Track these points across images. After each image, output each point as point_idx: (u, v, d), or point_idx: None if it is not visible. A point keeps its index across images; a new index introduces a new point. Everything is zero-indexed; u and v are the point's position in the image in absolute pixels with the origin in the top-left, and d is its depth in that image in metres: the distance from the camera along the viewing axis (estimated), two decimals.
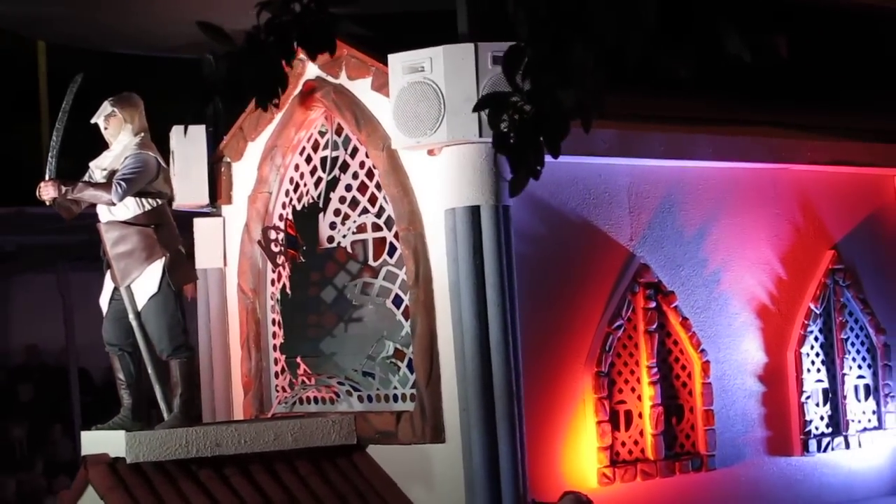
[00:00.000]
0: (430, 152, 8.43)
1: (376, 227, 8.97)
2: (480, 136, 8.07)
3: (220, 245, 9.99)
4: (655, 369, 9.11)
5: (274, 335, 9.63)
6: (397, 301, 8.83)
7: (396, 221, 8.71)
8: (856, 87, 10.74)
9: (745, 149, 9.67)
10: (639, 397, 9.09)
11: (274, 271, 9.59)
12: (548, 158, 4.30)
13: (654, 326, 9.15)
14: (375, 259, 8.98)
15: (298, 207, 9.42)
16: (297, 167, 9.51)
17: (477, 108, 4.63)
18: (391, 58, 8.39)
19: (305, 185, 9.40)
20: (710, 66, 4.47)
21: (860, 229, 10.53)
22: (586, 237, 9.01)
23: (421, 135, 8.22)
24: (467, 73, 8.12)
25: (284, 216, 9.52)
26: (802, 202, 10.19)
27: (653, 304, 9.14)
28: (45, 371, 18.01)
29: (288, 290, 9.42)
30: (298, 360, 9.32)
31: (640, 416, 9.09)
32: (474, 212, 8.17)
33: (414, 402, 8.62)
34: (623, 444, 9.00)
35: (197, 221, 10.08)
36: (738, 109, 9.67)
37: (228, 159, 9.93)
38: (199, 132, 9.91)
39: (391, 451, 8.73)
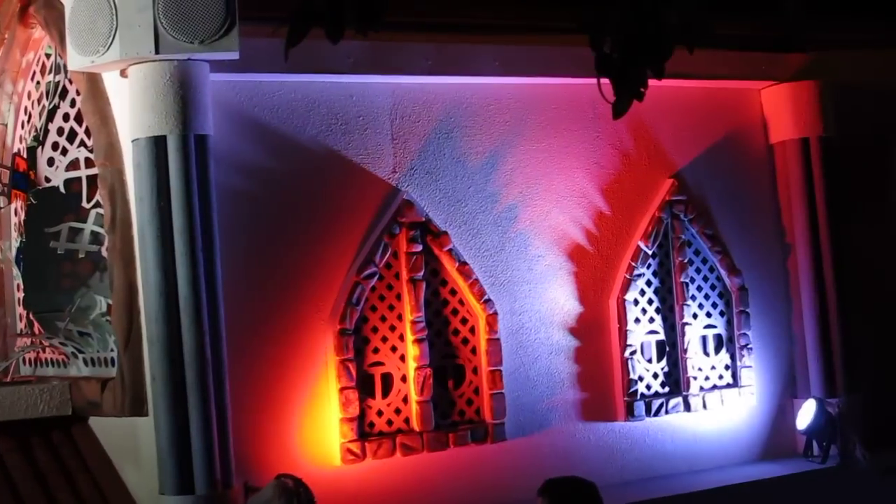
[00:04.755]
0: (123, 73, 7.10)
1: (91, 163, 7.67)
2: (157, 52, 6.73)
3: None
4: (423, 324, 7.72)
5: (19, 287, 8.42)
6: None
7: (95, 155, 7.40)
8: None
9: (545, 61, 8.15)
10: (402, 358, 7.71)
11: (16, 215, 8.37)
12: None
13: (421, 274, 7.74)
14: (89, 200, 7.69)
15: (29, 141, 8.17)
16: (29, 95, 8.26)
17: (582, 30, 4.35)
18: None
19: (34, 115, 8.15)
20: None
21: (713, 154, 8.95)
22: (332, 171, 7.62)
23: (94, 53, 6.90)
24: None
25: (21, 151, 8.28)
26: (632, 123, 8.64)
27: (418, 248, 7.73)
28: None
29: (23, 237, 8.20)
30: (31, 316, 8.12)
31: (404, 379, 7.72)
32: (159, 143, 6.84)
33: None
34: (380, 413, 7.65)
35: None
36: (534, 13, 8.10)
37: None
38: None
39: (108, 422, 7.49)
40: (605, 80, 4.42)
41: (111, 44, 6.81)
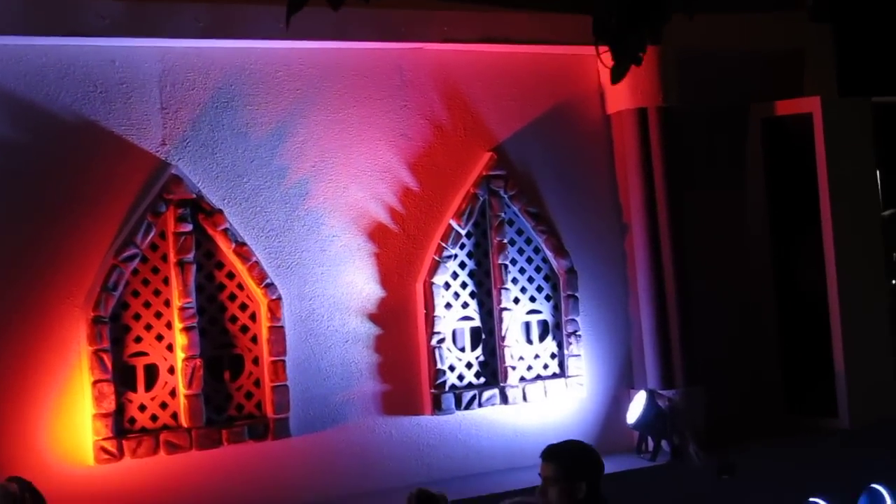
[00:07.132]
0: None
1: None
2: None
3: None
4: (193, 311, 7.07)
5: None
6: None
7: None
8: None
9: (337, 24, 7.42)
10: (169, 347, 7.07)
11: None
12: None
13: (191, 256, 7.09)
14: None
15: None
16: None
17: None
18: None
19: None
20: None
21: (541, 125, 8.27)
22: (89, 143, 6.97)
23: None
24: None
25: None
26: (446, 92, 7.97)
27: (188, 227, 7.08)
28: None
29: None
30: None
31: (172, 371, 7.08)
32: None
33: None
34: (142, 408, 7.01)
35: None
36: None
37: None
38: None
39: None
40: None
41: None
